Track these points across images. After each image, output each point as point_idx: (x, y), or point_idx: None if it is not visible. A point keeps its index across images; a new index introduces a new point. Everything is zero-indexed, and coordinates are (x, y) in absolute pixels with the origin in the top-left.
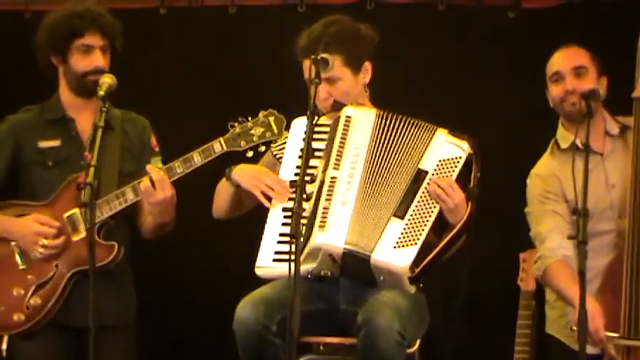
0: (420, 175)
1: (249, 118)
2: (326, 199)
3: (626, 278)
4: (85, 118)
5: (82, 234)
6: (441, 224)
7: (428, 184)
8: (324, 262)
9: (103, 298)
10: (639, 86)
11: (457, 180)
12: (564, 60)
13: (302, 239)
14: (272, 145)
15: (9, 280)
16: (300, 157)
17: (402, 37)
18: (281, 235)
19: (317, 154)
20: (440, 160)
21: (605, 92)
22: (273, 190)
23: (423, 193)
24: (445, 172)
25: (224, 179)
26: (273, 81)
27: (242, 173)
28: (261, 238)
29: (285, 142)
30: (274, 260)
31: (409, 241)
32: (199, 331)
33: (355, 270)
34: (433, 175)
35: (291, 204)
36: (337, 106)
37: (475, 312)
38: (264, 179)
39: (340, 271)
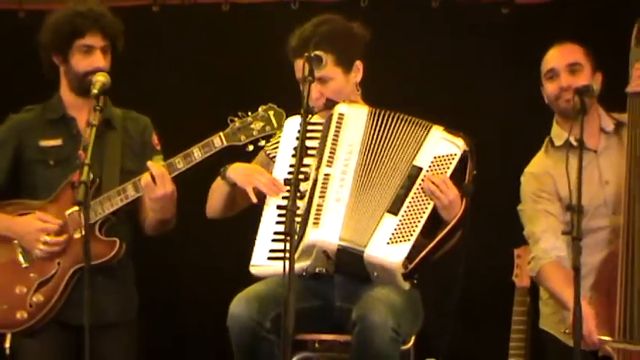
0: (414, 172)
1: (249, 113)
2: (319, 197)
3: (621, 279)
4: (85, 118)
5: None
6: (435, 221)
7: (422, 180)
8: (318, 259)
9: (105, 294)
10: (632, 81)
11: (452, 177)
12: (559, 57)
13: (296, 237)
14: (265, 144)
15: (12, 279)
16: (293, 155)
17: (396, 33)
18: (275, 233)
19: (310, 152)
20: (435, 157)
21: (599, 88)
22: (266, 187)
23: (418, 189)
24: (440, 169)
25: (219, 178)
26: (267, 79)
27: (237, 171)
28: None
29: (278, 142)
30: (269, 258)
31: (402, 237)
32: (199, 328)
33: (349, 266)
34: (428, 171)
35: (285, 202)
36: (330, 104)
37: (470, 308)
38: (258, 177)
39: (335, 268)
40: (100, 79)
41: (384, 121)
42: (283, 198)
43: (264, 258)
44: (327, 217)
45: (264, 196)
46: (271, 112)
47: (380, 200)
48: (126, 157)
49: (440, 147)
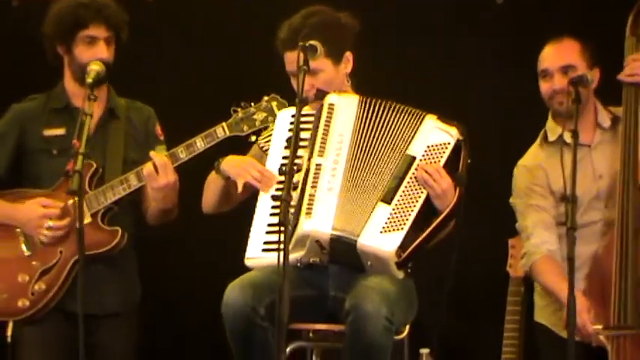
0: (408, 161)
1: (252, 103)
2: (312, 187)
3: (615, 268)
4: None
5: (87, 220)
6: (429, 210)
7: (416, 169)
8: (312, 250)
9: (106, 284)
10: (625, 70)
11: (445, 166)
12: (553, 57)
13: (290, 228)
14: (258, 137)
15: (14, 267)
16: (286, 147)
17: (390, 27)
18: (269, 225)
19: (302, 143)
20: (428, 146)
21: (595, 82)
22: (258, 182)
23: (411, 178)
24: (433, 158)
25: (213, 172)
26: (270, 69)
27: (230, 164)
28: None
29: (270, 134)
30: (263, 250)
31: (396, 226)
32: (195, 322)
33: (343, 256)
34: (421, 160)
35: (278, 194)
36: (320, 95)
37: (464, 298)
38: (250, 169)
39: (329, 258)
40: (95, 68)
41: (376, 110)
42: (276, 190)
43: (259, 250)
44: (320, 207)
45: (258, 190)
46: (274, 103)
47: (373, 189)
48: (129, 147)
49: (433, 136)
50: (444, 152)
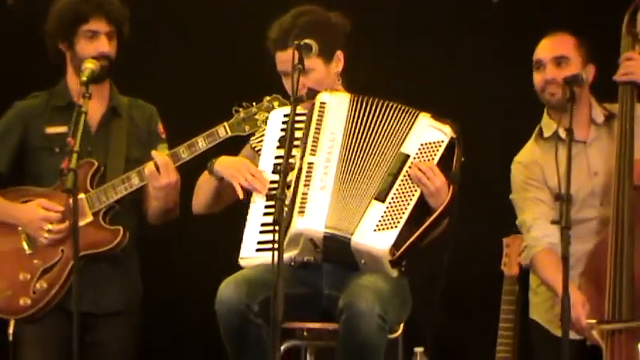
0: (401, 159)
1: (254, 104)
2: (304, 185)
3: (610, 264)
4: (92, 104)
5: (88, 218)
6: (422, 208)
7: (409, 167)
8: (306, 248)
9: (108, 283)
10: (621, 70)
11: (439, 164)
12: (546, 48)
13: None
14: (251, 137)
15: (16, 265)
16: (278, 147)
17: (389, 27)
18: (263, 225)
19: (295, 142)
20: (422, 144)
21: (590, 79)
22: (252, 184)
23: (405, 176)
24: (427, 156)
25: (205, 173)
26: (272, 70)
27: (224, 165)
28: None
29: (263, 135)
30: (257, 250)
31: (389, 224)
32: (191, 323)
33: (337, 254)
34: (415, 158)
35: (271, 194)
36: (312, 94)
37: (459, 297)
38: (245, 172)
39: (323, 256)
40: (89, 66)
41: (368, 108)
42: (270, 189)
43: (253, 250)
44: (313, 205)
45: (251, 191)
46: (276, 103)
47: (367, 187)
48: (131, 146)
49: (427, 134)
50: (437, 150)
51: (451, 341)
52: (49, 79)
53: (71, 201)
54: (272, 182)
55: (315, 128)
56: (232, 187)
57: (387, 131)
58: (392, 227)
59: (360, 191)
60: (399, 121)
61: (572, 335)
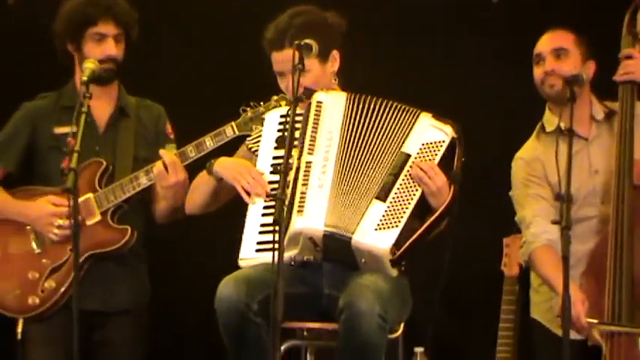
0: (402, 158)
1: (261, 103)
2: (303, 184)
3: (610, 265)
4: (100, 105)
5: (97, 218)
6: (423, 207)
7: (410, 167)
8: (305, 247)
9: (116, 282)
10: (620, 69)
11: (440, 164)
12: (546, 42)
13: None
14: (247, 138)
15: (24, 264)
16: (275, 147)
17: (388, 25)
18: (262, 225)
19: (286, 143)
20: (423, 144)
21: (590, 76)
22: (252, 187)
23: (406, 176)
24: (428, 156)
25: (203, 173)
26: (271, 69)
27: (223, 166)
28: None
29: (259, 136)
30: (257, 251)
31: (390, 223)
32: (191, 324)
33: (337, 253)
34: (416, 158)
35: (271, 193)
36: (308, 94)
37: (459, 297)
38: (246, 175)
39: (322, 255)
40: (90, 66)
41: (365, 107)
42: (271, 189)
43: (252, 250)
44: (311, 204)
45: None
46: (283, 102)
47: (367, 186)
48: (139, 146)
49: (428, 133)
50: (438, 150)
51: (451, 341)
52: (49, 79)
53: (80, 199)
54: (270, 182)
55: (312, 127)
56: (229, 188)
57: (387, 130)
58: (393, 226)
59: (359, 190)
60: (399, 120)
61: (573, 335)
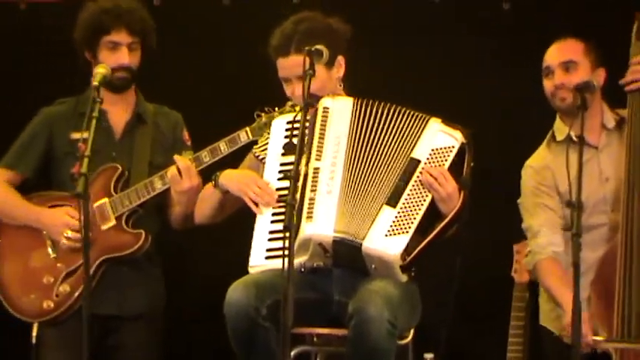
0: (412, 164)
1: (276, 108)
2: (311, 190)
3: (619, 275)
4: (117, 111)
5: (112, 222)
6: (433, 213)
7: (420, 172)
8: (315, 254)
9: (130, 286)
10: (627, 76)
11: (450, 169)
12: (554, 54)
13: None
14: (254, 146)
15: (40, 268)
16: (283, 154)
17: (398, 30)
18: (271, 232)
19: (296, 150)
20: (433, 150)
21: (600, 84)
22: (260, 198)
23: (416, 182)
24: (438, 162)
25: (209, 185)
26: (277, 75)
27: (229, 178)
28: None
29: (266, 143)
30: (267, 258)
31: (401, 229)
32: (205, 329)
33: (347, 259)
34: (426, 164)
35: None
36: (314, 100)
37: (469, 303)
38: (252, 186)
39: (332, 261)
40: (101, 71)
41: (373, 112)
42: (280, 197)
43: (262, 258)
44: (320, 210)
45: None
46: (297, 108)
47: (377, 192)
48: (155, 152)
49: (438, 139)
50: (448, 156)
51: (461, 347)
52: (60, 83)
53: (95, 205)
54: (278, 189)
55: (320, 133)
56: (236, 199)
57: (396, 136)
58: (403, 232)
59: (369, 195)
60: (408, 125)
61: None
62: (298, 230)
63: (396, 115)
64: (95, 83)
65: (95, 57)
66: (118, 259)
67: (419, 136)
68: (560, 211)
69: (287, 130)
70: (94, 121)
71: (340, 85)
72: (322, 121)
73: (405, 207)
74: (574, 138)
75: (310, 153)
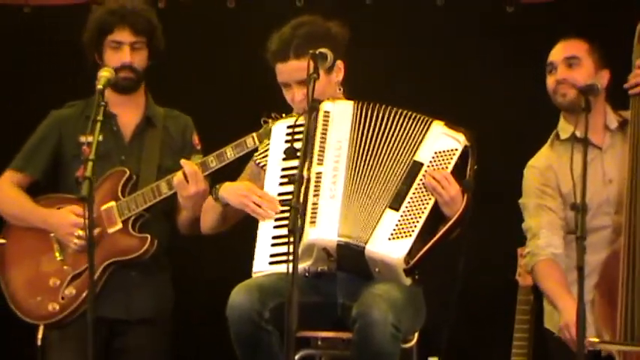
0: (415, 167)
1: (283, 114)
2: (314, 195)
3: (622, 278)
4: (127, 114)
5: (118, 226)
6: (436, 216)
7: (423, 176)
8: (319, 258)
9: (137, 290)
10: (630, 79)
11: (453, 172)
12: (558, 51)
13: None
14: (254, 154)
15: (47, 271)
16: (284, 159)
17: (401, 31)
18: (274, 237)
19: (300, 154)
20: (436, 152)
21: (604, 86)
22: (261, 205)
23: (419, 185)
24: (441, 165)
25: (210, 198)
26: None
27: (229, 191)
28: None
29: (267, 150)
30: (271, 263)
31: (404, 232)
32: (209, 332)
33: (351, 263)
34: (429, 167)
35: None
36: (314, 104)
37: (473, 306)
38: (251, 196)
39: (337, 265)
40: (105, 74)
41: (374, 115)
42: (281, 201)
43: (266, 263)
44: (323, 214)
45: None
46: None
47: (380, 195)
48: (165, 156)
49: (441, 142)
50: (451, 158)
51: (465, 350)
52: (65, 86)
53: (102, 207)
54: (280, 195)
55: (321, 137)
56: (237, 210)
57: (399, 139)
58: (406, 236)
59: (372, 199)
60: (410, 128)
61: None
62: (301, 236)
63: (397, 118)
64: (99, 87)
65: (101, 58)
66: (124, 263)
67: (421, 139)
68: (561, 212)
69: (287, 134)
70: (98, 125)
71: (340, 90)
72: (323, 125)
73: (408, 210)
74: (579, 136)
75: (312, 158)
